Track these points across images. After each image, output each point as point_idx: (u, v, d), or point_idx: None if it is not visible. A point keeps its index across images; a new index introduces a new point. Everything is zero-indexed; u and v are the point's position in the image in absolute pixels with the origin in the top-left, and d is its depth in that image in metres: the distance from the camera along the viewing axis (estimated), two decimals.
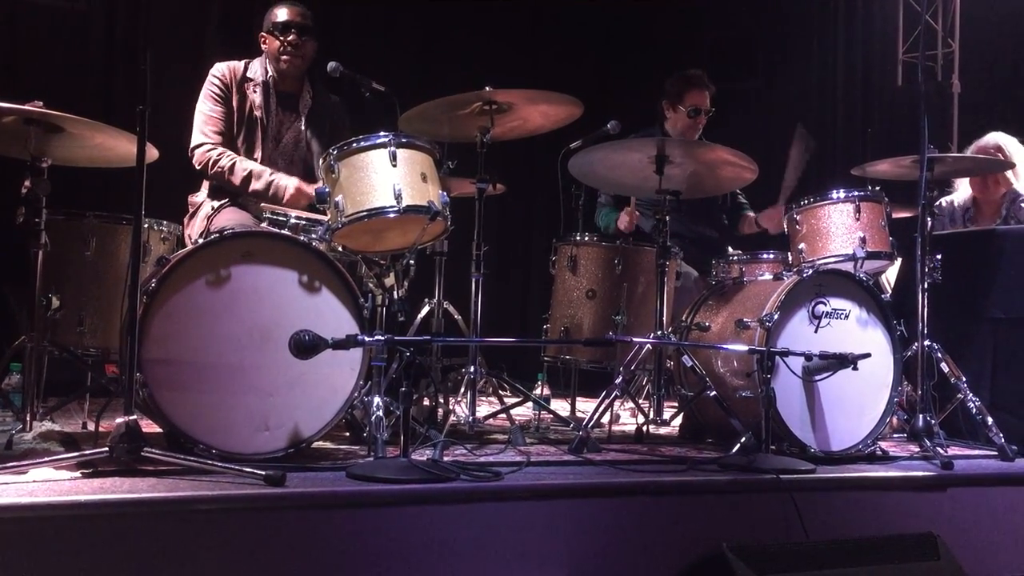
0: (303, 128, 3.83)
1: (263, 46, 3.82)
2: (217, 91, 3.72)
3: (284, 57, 3.75)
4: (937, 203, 4.54)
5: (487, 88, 3.50)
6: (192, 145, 3.70)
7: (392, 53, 6.20)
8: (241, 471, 2.43)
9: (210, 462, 2.51)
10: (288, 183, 3.59)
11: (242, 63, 3.79)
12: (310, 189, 3.54)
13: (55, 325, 3.27)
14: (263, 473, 2.39)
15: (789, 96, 7.10)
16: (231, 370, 2.74)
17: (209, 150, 3.66)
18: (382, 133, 3.07)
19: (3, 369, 3.21)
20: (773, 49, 7.13)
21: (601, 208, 4.71)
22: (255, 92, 3.75)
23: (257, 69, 3.79)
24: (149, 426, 2.67)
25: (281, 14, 3.77)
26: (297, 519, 2.30)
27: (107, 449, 2.39)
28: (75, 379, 3.44)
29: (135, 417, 2.42)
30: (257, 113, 3.75)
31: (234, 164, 3.63)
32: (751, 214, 4.73)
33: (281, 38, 3.74)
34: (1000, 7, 6.31)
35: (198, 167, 3.69)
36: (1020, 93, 6.14)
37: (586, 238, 3.93)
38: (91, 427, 3.17)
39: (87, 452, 2.43)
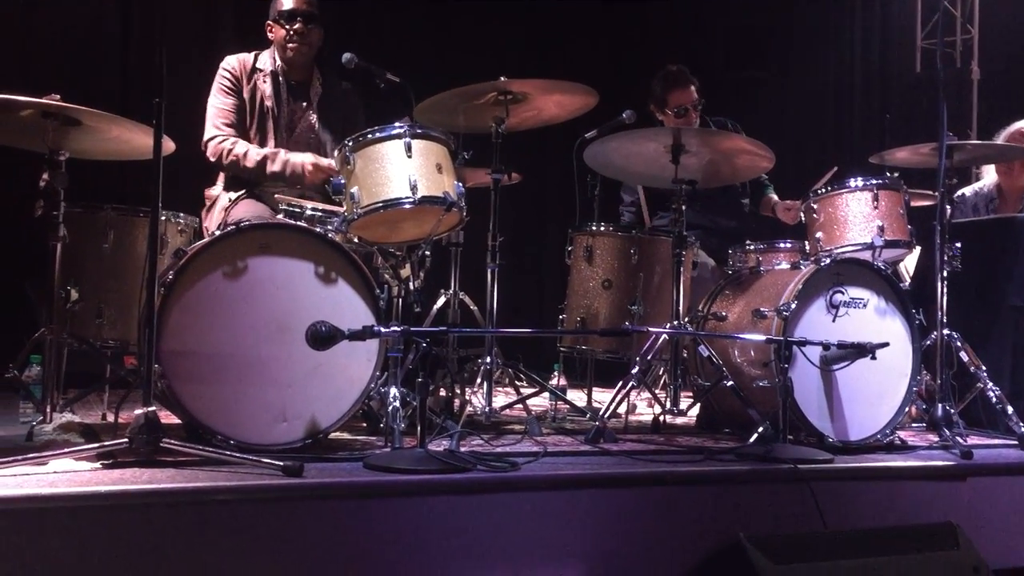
0: (315, 117, 3.83)
1: (269, 35, 3.82)
2: (228, 84, 3.73)
3: (291, 45, 3.75)
4: (959, 194, 4.51)
5: (502, 78, 3.49)
6: (205, 138, 3.71)
7: (406, 44, 6.19)
8: (259, 462, 2.44)
9: (228, 453, 2.53)
10: (303, 159, 3.59)
11: (251, 55, 3.80)
12: (326, 162, 3.54)
13: (74, 317, 3.29)
14: (281, 464, 2.40)
15: (806, 84, 7.05)
16: (249, 361, 2.75)
17: (222, 141, 3.67)
18: (397, 124, 3.07)
19: (23, 361, 3.23)
20: (789, 37, 7.09)
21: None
22: (265, 82, 3.76)
23: (266, 60, 3.80)
24: (168, 417, 2.69)
25: (287, 2, 3.78)
26: (315, 509, 2.31)
27: (126, 440, 2.40)
28: (94, 371, 3.46)
29: (154, 408, 2.44)
30: (268, 103, 3.75)
31: (247, 151, 3.64)
32: (773, 196, 4.68)
33: (287, 26, 3.75)
34: None
35: (212, 159, 3.70)
36: None
37: (602, 228, 3.92)
38: (110, 418, 3.18)
39: (107, 443, 2.45)
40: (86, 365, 3.51)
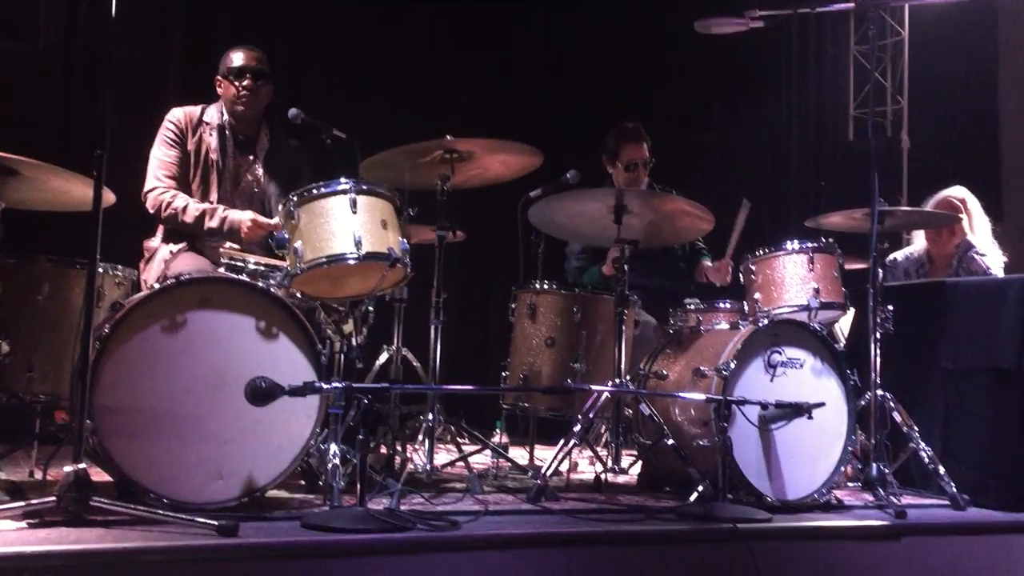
0: (260, 171, 3.83)
1: (219, 90, 3.82)
2: (172, 136, 3.72)
3: (240, 101, 3.75)
4: (891, 258, 4.64)
5: (447, 136, 3.53)
6: (145, 189, 3.68)
7: (353, 100, 6.23)
8: (193, 521, 2.39)
9: (161, 512, 2.46)
10: (243, 216, 3.57)
11: (199, 108, 3.79)
12: (265, 220, 3.53)
13: (3, 370, 3.19)
14: (215, 523, 2.35)
15: (744, 149, 7.24)
16: (185, 417, 2.70)
17: (161, 193, 3.65)
18: (343, 180, 3.08)
19: None
20: (729, 103, 7.29)
21: (581, 273, 4.67)
22: (211, 136, 3.75)
23: (213, 113, 3.79)
24: (99, 475, 2.61)
25: (236, 59, 3.78)
26: (250, 570, 2.26)
27: (54, 498, 2.33)
28: (23, 426, 3.36)
29: (84, 465, 2.37)
30: (213, 156, 3.74)
31: (187, 205, 3.62)
32: (707, 263, 4.77)
33: (236, 83, 3.75)
34: (947, 66, 6.53)
35: (152, 211, 3.67)
36: (967, 148, 6.33)
37: (545, 286, 3.95)
38: (38, 476, 3.09)
39: (34, 502, 2.38)
40: (14, 420, 3.40)
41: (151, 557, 2.19)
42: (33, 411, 3.31)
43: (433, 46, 6.75)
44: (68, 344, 3.18)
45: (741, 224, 4.28)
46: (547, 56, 7.23)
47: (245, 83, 3.74)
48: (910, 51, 6.88)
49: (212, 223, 3.58)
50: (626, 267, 3.62)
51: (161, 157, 3.70)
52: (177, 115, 3.75)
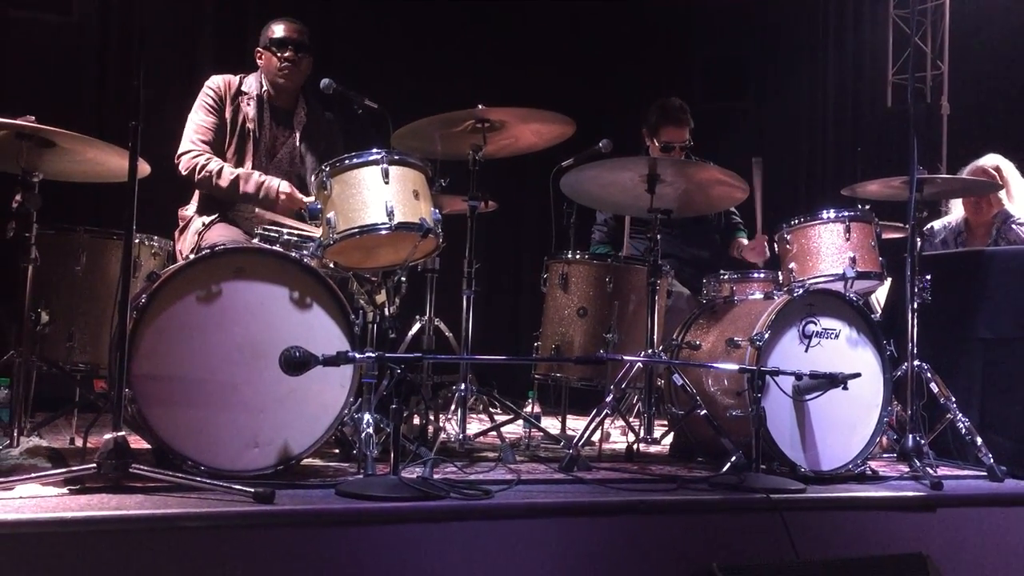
0: (298, 144, 3.83)
1: (259, 61, 3.82)
2: (211, 102, 3.72)
3: (281, 73, 3.75)
4: (928, 227, 4.57)
5: (479, 106, 3.51)
6: (179, 152, 3.67)
7: (385, 70, 6.22)
8: (230, 488, 2.42)
9: (198, 479, 2.50)
10: (280, 184, 3.56)
11: (237, 77, 3.80)
12: (300, 196, 3.53)
13: (44, 340, 3.26)
14: (252, 490, 2.38)
15: (780, 116, 7.15)
16: (221, 386, 2.73)
17: (196, 156, 3.64)
18: (375, 150, 3.08)
19: None
20: (764, 69, 7.19)
21: (596, 246, 4.68)
22: (249, 105, 3.75)
23: (252, 83, 3.80)
24: (137, 442, 2.66)
25: (279, 30, 3.78)
26: (286, 537, 2.29)
27: (95, 465, 2.37)
28: (63, 394, 3.42)
29: (123, 433, 2.41)
30: (250, 126, 3.74)
31: (221, 168, 3.61)
32: (744, 240, 4.70)
33: (278, 54, 3.75)
34: (988, 30, 6.39)
35: (184, 173, 3.64)
36: (1007, 115, 6.20)
37: (577, 256, 3.94)
38: (79, 443, 3.15)
39: (74, 468, 2.42)
40: (55, 388, 3.47)
41: (190, 523, 2.22)
42: (73, 379, 3.37)
43: (464, 14, 6.70)
44: (106, 314, 3.24)
45: (759, 188, 4.18)
46: (580, 23, 7.16)
47: (286, 55, 3.74)
48: (951, 15, 6.73)
49: (248, 187, 3.57)
50: (658, 237, 3.59)
51: (198, 122, 3.71)
52: (217, 82, 3.76)
